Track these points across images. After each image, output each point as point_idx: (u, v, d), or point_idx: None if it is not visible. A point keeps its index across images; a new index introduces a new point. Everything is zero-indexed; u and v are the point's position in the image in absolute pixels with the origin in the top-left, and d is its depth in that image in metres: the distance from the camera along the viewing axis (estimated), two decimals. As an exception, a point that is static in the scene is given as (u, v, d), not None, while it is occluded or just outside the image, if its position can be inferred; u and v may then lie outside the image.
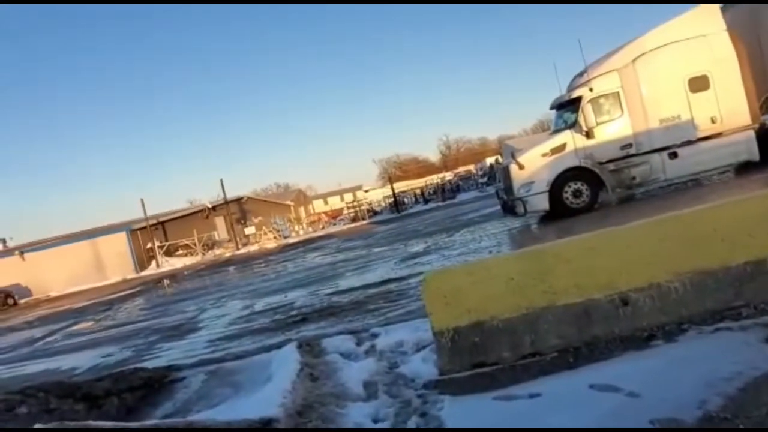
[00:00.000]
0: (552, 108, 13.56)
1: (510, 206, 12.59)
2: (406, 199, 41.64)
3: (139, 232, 36.68)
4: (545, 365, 3.79)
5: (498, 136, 74.85)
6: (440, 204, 35.11)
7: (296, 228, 40.39)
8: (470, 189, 41.83)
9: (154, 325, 10.77)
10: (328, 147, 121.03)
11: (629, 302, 3.94)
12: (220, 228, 40.81)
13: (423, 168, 76.74)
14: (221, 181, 38.89)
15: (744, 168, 11.66)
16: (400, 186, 51.21)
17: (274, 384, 4.52)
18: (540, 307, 4.04)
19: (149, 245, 35.92)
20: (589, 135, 11.56)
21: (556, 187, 11.64)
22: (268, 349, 6.17)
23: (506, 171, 12.46)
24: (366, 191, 65.95)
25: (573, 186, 11.66)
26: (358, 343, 5.51)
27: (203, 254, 36.03)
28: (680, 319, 3.80)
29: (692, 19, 11.28)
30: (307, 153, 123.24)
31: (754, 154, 11.23)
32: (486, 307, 4.10)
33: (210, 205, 41.44)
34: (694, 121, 11.27)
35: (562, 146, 11.77)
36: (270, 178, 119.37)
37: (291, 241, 33.25)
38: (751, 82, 11.35)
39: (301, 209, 58.23)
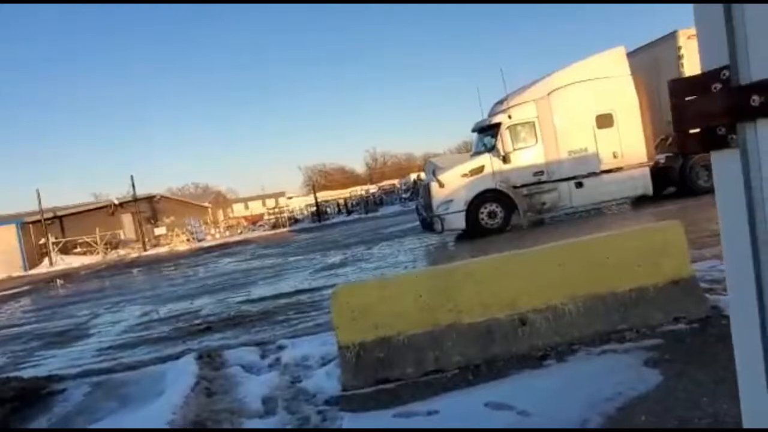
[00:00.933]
0: (473, 131, 14.12)
1: (429, 223, 12.87)
2: (328, 209, 41.40)
3: (31, 225, 33.34)
4: (446, 382, 3.83)
5: (424, 152, 76.79)
6: (363, 216, 35.24)
7: (212, 231, 38.70)
8: (393, 203, 42.41)
9: (38, 330, 9.74)
10: (253, 150, 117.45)
11: (527, 322, 4.10)
12: (128, 227, 38.15)
13: (349, 179, 76.82)
14: (131, 177, 36.28)
15: (639, 201, 12.77)
16: (324, 195, 50.86)
17: (166, 398, 4.20)
18: (446, 324, 4.10)
19: (43, 240, 32.73)
20: (506, 160, 12.13)
21: (472, 207, 12.08)
22: (164, 360, 5.77)
23: (427, 188, 12.75)
24: (289, 198, 64.71)
25: (489, 207, 12.16)
26: (263, 356, 5.29)
27: (105, 254, 33.44)
28: (572, 340, 4.00)
29: (602, 61, 12.27)
30: (230, 155, 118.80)
31: (649, 189, 12.37)
32: (393, 323, 4.09)
33: (117, 201, 38.67)
34: (599, 155, 12.21)
35: (481, 168, 12.26)
36: (188, 178, 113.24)
37: (205, 244, 31.76)
38: (649, 124, 12.52)
39: (220, 212, 55.98)
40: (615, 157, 12.27)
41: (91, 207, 39.56)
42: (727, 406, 2.72)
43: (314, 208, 39.60)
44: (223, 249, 25.33)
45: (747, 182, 0.78)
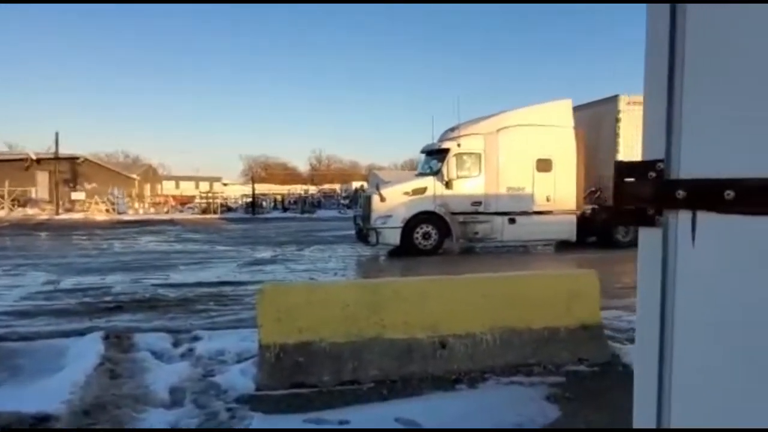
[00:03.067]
0: (422, 152, 14.48)
1: (364, 234, 12.99)
2: (264, 203, 40.51)
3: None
4: (361, 394, 3.90)
5: (369, 163, 77.33)
6: (298, 215, 34.81)
7: (136, 206, 36.68)
8: (331, 207, 42.24)
9: None
10: (194, 130, 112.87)
11: (447, 346, 4.27)
12: (42, 186, 35.39)
13: (289, 176, 75.65)
14: (56, 133, 33.63)
15: (562, 245, 13.59)
16: (263, 188, 49.76)
17: (66, 375, 3.98)
18: (369, 337, 4.18)
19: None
20: (448, 185, 12.53)
21: (409, 226, 12.34)
22: (67, 334, 5.42)
23: (368, 200, 12.88)
24: (225, 185, 62.60)
25: (424, 228, 12.47)
26: (176, 344, 5.12)
27: (11, 210, 30.74)
28: (485, 368, 4.21)
29: (550, 110, 13.03)
30: (168, 129, 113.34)
31: (573, 236, 13.23)
32: (318, 329, 4.11)
33: (34, 157, 35.76)
34: (534, 196, 12.91)
35: (423, 189, 12.58)
36: (119, 146, 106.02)
37: (126, 218, 30.03)
38: (582, 175, 13.40)
39: (147, 187, 53.23)
40: (548, 200, 13.01)
41: (4, 158, 36.31)
42: (612, 447, 2.98)
43: (250, 199, 38.62)
44: (144, 226, 24.07)
45: (664, 258, 0.92)
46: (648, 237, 0.96)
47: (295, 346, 4.09)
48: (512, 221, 12.84)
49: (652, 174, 0.95)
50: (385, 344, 4.19)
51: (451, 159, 12.64)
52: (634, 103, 13.10)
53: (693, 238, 0.87)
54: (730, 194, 0.79)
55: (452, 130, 13.50)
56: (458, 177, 12.61)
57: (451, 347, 4.26)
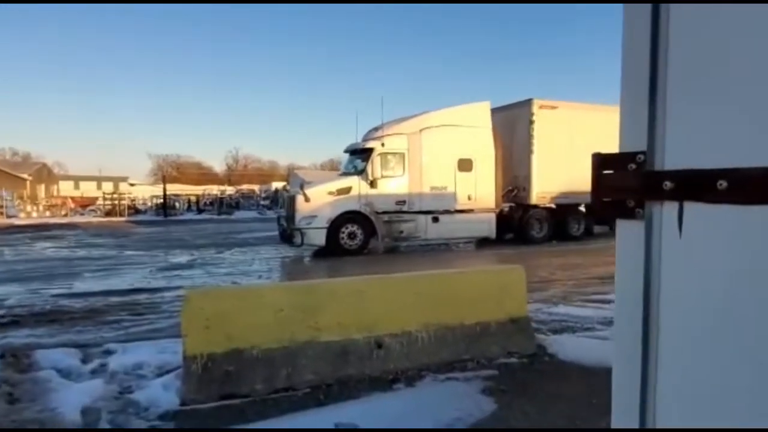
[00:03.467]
0: (346, 152, 14.39)
1: (289, 235, 12.67)
2: (177, 204, 38.32)
3: None
4: (297, 401, 3.75)
5: (289, 163, 75.86)
6: (215, 217, 33.33)
7: (28, 209, 33.20)
8: (251, 208, 40.90)
9: None
10: (95, 126, 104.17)
11: (383, 346, 4.23)
12: None
13: (204, 176, 72.21)
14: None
15: (482, 242, 14.11)
16: (175, 188, 47.05)
17: (-53, 404, 3.44)
18: (303, 341, 4.04)
19: None
20: (373, 185, 12.55)
21: (334, 226, 12.20)
22: (-52, 355, 4.72)
23: (292, 200, 12.58)
24: (132, 185, 58.42)
25: (350, 228, 12.39)
26: (85, 360, 4.65)
27: None
28: (421, 366, 4.22)
29: (470, 111, 13.49)
30: (64, 126, 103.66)
31: (493, 233, 13.80)
32: (249, 336, 3.90)
33: None
34: (456, 195, 13.28)
35: (348, 189, 12.50)
36: (4, 141, 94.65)
37: (18, 222, 27.11)
38: (501, 175, 14.00)
39: (42, 188, 48.47)
40: (469, 199, 13.45)
41: None
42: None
43: (161, 200, 36.36)
44: (40, 231, 21.83)
45: (647, 250, 0.92)
46: (628, 230, 0.96)
47: (225, 354, 3.85)
48: (436, 220, 13.13)
49: (632, 166, 0.94)
50: (320, 347, 4.07)
51: (375, 158, 12.68)
52: (546, 106, 13.92)
53: (680, 229, 0.87)
54: (722, 184, 0.80)
55: (376, 129, 13.55)
56: (383, 176, 12.68)
57: (388, 347, 4.22)
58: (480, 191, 13.49)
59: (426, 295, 4.49)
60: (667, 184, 0.87)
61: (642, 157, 0.92)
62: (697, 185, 0.83)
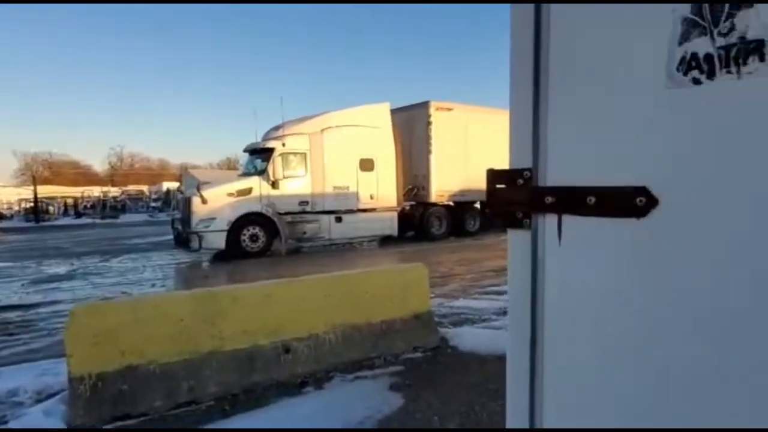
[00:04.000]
0: (245, 151, 13.95)
1: (185, 239, 12.00)
2: (51, 207, 34.52)
3: None
4: (200, 414, 3.60)
5: (182, 162, 71.56)
6: (98, 221, 30.54)
7: None
8: (140, 211, 38.04)
9: None
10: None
11: (290, 350, 4.19)
12: None
13: (82, 176, 65.74)
14: None
15: (385, 240, 14.44)
16: (47, 190, 42.26)
17: None
18: (206, 352, 3.89)
19: None
20: (275, 185, 12.30)
21: (235, 228, 11.78)
22: None
23: (188, 202, 11.92)
24: (-6, 187, 51.48)
25: (252, 230, 12.04)
26: (-55, 390, 4.06)
27: None
28: (329, 367, 4.25)
29: (371, 112, 13.72)
30: None
31: (395, 231, 14.17)
32: (146, 350, 3.67)
33: None
34: (358, 195, 13.44)
35: (249, 190, 12.12)
36: None
37: None
38: (401, 174, 14.40)
39: None
40: (372, 198, 13.68)
41: None
42: (452, 425, 3.28)
43: (31, 204, 32.52)
44: None
45: (534, 257, 1.04)
46: (517, 238, 1.07)
47: (117, 372, 3.59)
48: (339, 220, 13.19)
49: (520, 181, 1.06)
50: (224, 357, 3.94)
51: (276, 158, 12.43)
52: (442, 108, 14.57)
53: (560, 238, 1.00)
54: (591, 200, 0.93)
55: (277, 128, 13.29)
56: (284, 177, 12.47)
57: (295, 350, 4.20)
58: (382, 190, 13.79)
59: (333, 297, 4.52)
60: (549, 199, 1.00)
61: (528, 173, 1.04)
62: (572, 200, 0.96)
